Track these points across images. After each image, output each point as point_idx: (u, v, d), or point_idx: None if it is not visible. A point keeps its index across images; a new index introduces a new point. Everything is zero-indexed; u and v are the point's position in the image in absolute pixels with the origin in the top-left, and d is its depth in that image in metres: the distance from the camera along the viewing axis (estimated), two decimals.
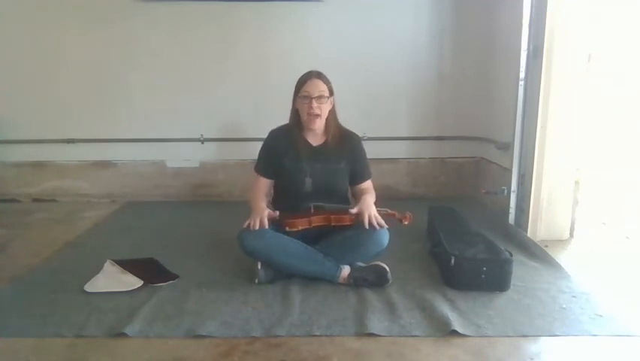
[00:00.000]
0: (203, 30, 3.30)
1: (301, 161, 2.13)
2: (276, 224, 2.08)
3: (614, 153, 3.42)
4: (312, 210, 2.07)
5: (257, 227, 1.97)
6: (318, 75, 2.11)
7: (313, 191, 2.13)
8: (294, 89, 2.15)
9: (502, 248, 2.02)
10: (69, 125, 3.41)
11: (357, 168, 2.23)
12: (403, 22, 3.31)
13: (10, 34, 3.29)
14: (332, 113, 2.17)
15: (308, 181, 2.13)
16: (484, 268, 1.92)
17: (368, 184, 2.26)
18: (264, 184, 2.20)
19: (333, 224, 2.07)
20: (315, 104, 2.05)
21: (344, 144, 2.19)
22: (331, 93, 2.13)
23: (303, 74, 2.15)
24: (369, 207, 2.03)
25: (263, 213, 2.01)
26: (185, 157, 3.47)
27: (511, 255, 1.98)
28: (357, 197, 2.21)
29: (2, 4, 3.26)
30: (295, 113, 2.16)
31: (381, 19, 3.29)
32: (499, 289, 1.93)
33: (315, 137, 2.18)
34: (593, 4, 2.41)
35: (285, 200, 2.14)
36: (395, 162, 3.38)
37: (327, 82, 2.11)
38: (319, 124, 2.11)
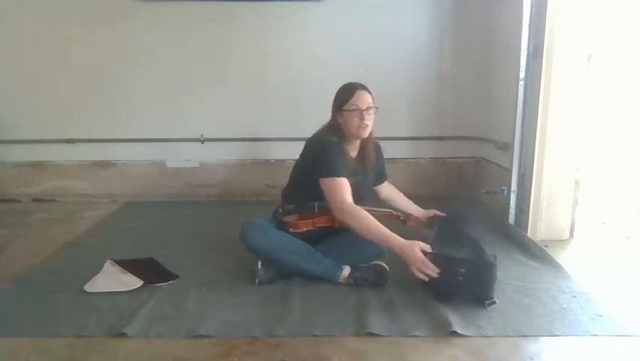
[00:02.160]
0: (203, 30, 3.30)
1: (350, 173, 2.05)
2: (280, 223, 2.09)
3: (614, 153, 3.42)
4: (317, 211, 2.07)
5: (430, 267, 1.77)
6: (362, 87, 2.07)
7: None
8: (334, 103, 2.09)
9: (489, 253, 1.86)
10: (69, 125, 3.41)
11: (382, 169, 2.37)
12: (402, 22, 3.31)
13: (10, 34, 3.29)
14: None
15: None
16: (463, 270, 1.78)
17: (387, 183, 2.41)
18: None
19: (336, 225, 2.06)
20: (366, 116, 2.03)
21: (373, 153, 2.21)
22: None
23: (342, 87, 2.10)
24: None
25: (416, 245, 1.80)
26: (185, 157, 3.46)
27: (496, 258, 1.85)
28: (386, 196, 2.39)
29: (2, 4, 3.26)
30: (337, 127, 2.09)
31: (381, 19, 3.29)
32: (481, 296, 1.78)
33: (354, 149, 2.16)
34: (593, 4, 2.41)
35: (310, 201, 2.09)
36: (395, 162, 3.37)
37: (370, 92, 2.08)
38: (368, 132, 2.08)
